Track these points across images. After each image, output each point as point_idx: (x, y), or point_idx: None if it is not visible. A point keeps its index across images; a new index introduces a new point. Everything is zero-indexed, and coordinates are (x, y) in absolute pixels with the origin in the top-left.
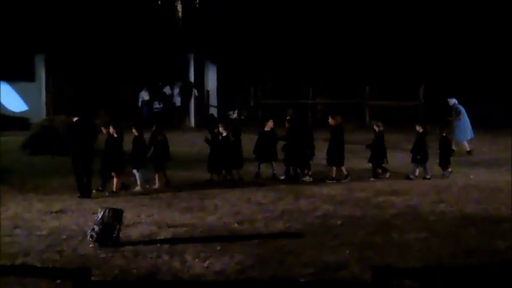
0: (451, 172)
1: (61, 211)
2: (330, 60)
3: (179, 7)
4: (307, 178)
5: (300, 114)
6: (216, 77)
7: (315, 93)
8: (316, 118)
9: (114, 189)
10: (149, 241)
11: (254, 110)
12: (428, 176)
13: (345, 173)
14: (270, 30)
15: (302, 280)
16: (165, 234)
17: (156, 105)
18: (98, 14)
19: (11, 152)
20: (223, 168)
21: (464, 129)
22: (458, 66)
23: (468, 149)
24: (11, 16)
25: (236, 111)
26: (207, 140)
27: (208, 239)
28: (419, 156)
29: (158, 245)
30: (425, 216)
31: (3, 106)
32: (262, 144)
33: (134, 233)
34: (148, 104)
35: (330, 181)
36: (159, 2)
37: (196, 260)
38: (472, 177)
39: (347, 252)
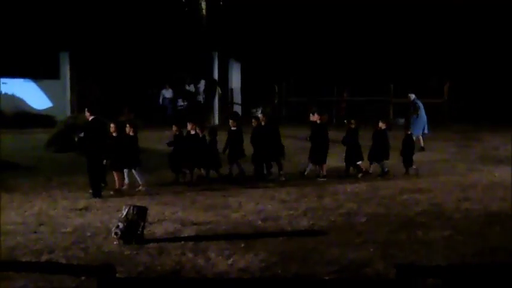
0: (416, 170)
1: (86, 208)
2: (355, 58)
3: (203, 4)
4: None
5: (271, 113)
6: (240, 75)
7: (339, 90)
8: (340, 116)
9: (117, 187)
10: (173, 238)
11: (278, 108)
12: (386, 169)
13: (324, 172)
14: (294, 28)
15: (326, 278)
16: (189, 231)
17: (180, 102)
18: (122, 12)
19: (36, 149)
20: (188, 166)
21: (421, 124)
22: (483, 64)
23: (422, 145)
24: (35, 14)
25: (260, 109)
26: (169, 143)
27: (232, 236)
28: (373, 153)
29: (182, 242)
30: (450, 214)
31: (28, 104)
32: (228, 143)
33: (158, 230)
34: (171, 101)
35: (321, 179)
36: (183, 0)
37: (220, 257)
38: (496, 174)
39: (371, 250)
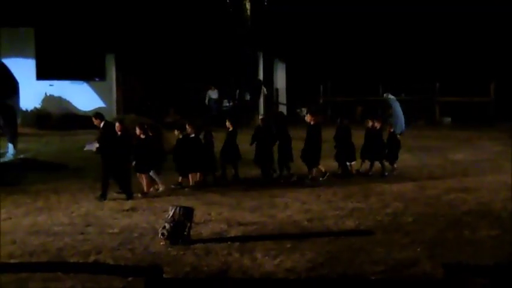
0: (396, 169)
1: (132, 209)
2: (400, 57)
3: (247, 5)
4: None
5: (279, 114)
6: (285, 75)
7: (385, 90)
8: (387, 115)
9: (145, 190)
10: (220, 239)
11: (323, 107)
12: (371, 173)
13: (313, 174)
14: (339, 28)
15: (373, 278)
16: (235, 232)
17: (226, 103)
18: (167, 14)
19: (82, 150)
20: (191, 170)
21: (395, 123)
22: None
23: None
24: (82, 17)
25: (305, 109)
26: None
27: (279, 236)
28: (368, 152)
29: (229, 242)
30: (497, 213)
31: (75, 105)
32: (224, 144)
33: (205, 231)
34: (217, 102)
35: (323, 179)
36: (228, 1)
37: (267, 257)
38: None
39: (418, 249)
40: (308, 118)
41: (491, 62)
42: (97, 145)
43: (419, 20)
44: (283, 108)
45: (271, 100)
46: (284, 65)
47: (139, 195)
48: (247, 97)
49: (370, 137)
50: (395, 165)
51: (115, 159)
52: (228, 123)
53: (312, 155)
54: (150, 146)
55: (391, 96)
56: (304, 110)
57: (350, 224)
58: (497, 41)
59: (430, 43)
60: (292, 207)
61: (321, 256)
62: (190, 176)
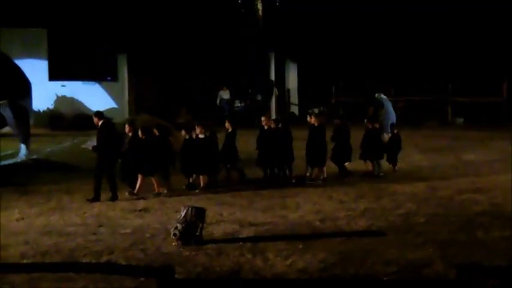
0: (396, 170)
1: (144, 210)
2: (412, 57)
3: (259, 6)
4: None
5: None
6: (296, 76)
7: (396, 90)
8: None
9: (135, 191)
10: (232, 239)
11: (335, 108)
12: (381, 174)
13: (325, 175)
14: (350, 27)
15: (385, 278)
16: (247, 232)
17: (238, 103)
18: (179, 14)
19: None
20: (196, 172)
21: (387, 123)
22: None
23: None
24: (93, 18)
25: (317, 109)
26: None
27: (291, 237)
28: (368, 152)
29: (241, 243)
30: (510, 214)
31: (87, 106)
32: (223, 146)
33: (217, 231)
34: (229, 102)
35: (309, 181)
36: (239, 1)
37: (279, 258)
38: None
39: (430, 250)
40: (312, 120)
41: (503, 62)
42: (94, 143)
43: (432, 20)
44: (294, 109)
45: (283, 100)
46: (296, 65)
47: (151, 195)
48: (259, 97)
49: (369, 137)
50: (396, 168)
51: (112, 158)
52: (227, 124)
53: (318, 156)
54: (153, 148)
55: (383, 96)
56: (316, 110)
57: (362, 224)
58: (510, 41)
59: (443, 43)
60: (303, 207)
61: (333, 256)
62: (201, 177)
